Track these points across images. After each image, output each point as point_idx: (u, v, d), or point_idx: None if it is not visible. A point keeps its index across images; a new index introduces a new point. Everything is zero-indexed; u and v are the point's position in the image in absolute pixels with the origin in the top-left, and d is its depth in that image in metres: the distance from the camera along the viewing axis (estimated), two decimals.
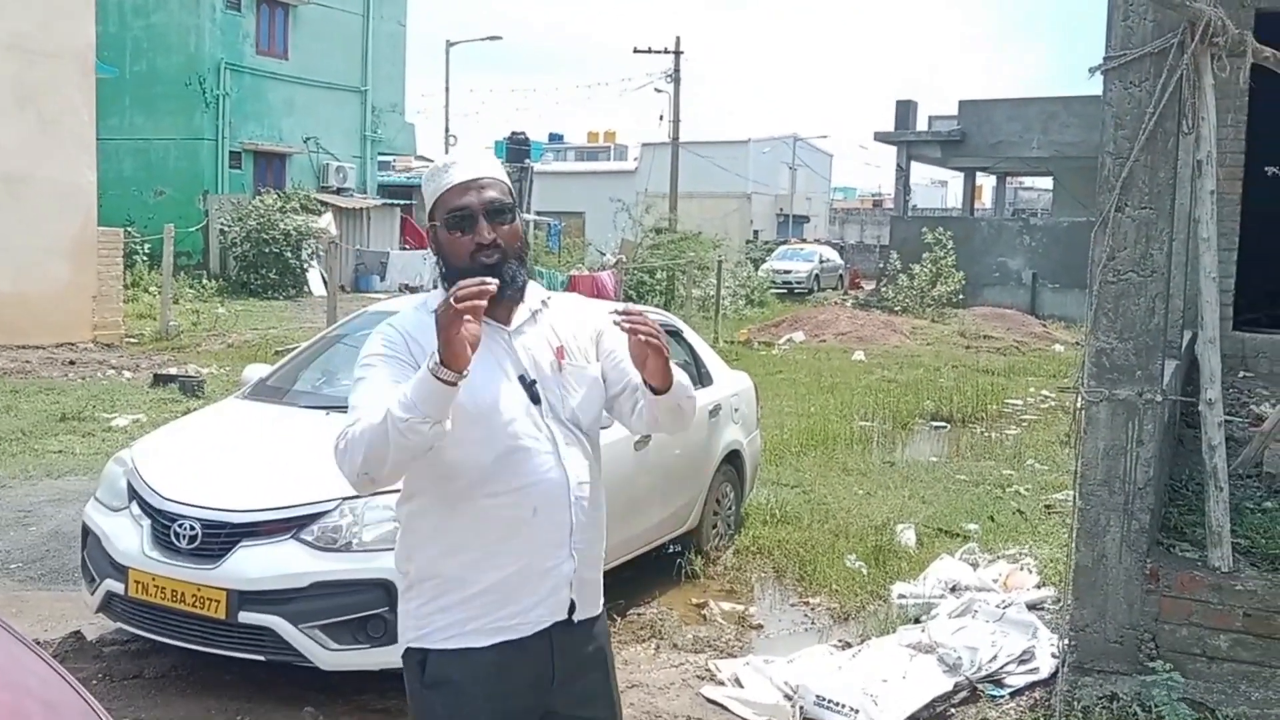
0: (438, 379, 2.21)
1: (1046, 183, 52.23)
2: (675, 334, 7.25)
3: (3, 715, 2.20)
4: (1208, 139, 4.07)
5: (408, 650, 2.53)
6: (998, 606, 5.66)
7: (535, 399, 2.49)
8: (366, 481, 2.36)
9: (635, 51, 37.46)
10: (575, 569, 2.52)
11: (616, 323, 2.44)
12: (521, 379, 2.49)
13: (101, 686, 4.78)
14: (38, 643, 4.98)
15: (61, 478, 8.22)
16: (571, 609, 2.53)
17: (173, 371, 12.99)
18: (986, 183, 49.90)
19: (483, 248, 2.45)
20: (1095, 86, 4.39)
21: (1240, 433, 6.68)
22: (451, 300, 2.19)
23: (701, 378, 7.19)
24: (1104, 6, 4.19)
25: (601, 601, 2.67)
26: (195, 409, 10.84)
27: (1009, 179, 46.07)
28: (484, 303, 2.23)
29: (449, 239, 2.48)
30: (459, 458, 2.42)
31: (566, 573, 2.51)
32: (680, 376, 2.55)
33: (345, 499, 4.65)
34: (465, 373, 2.23)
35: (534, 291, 2.59)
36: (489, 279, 2.26)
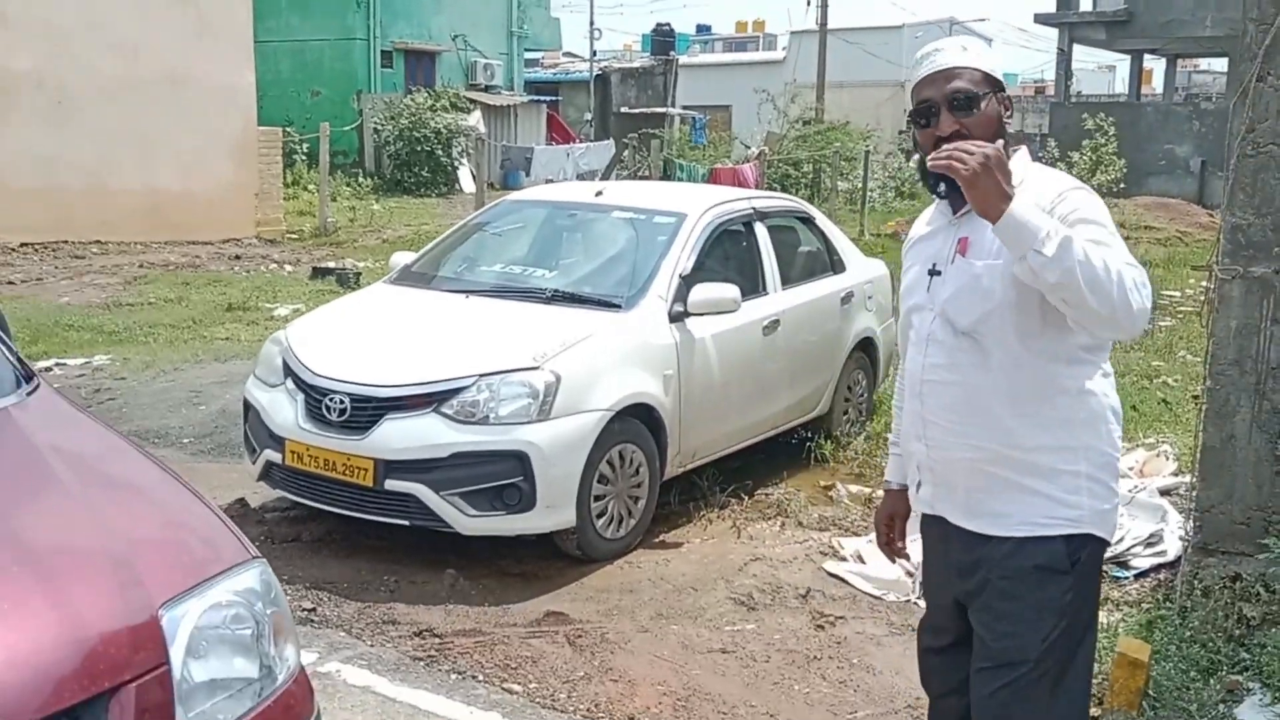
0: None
1: (1222, 64, 49.07)
2: (806, 220, 7.26)
3: (170, 550, 2.49)
4: None
5: None
6: (1129, 491, 5.61)
7: (929, 289, 2.55)
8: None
9: None
10: (922, 460, 2.60)
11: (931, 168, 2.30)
12: (930, 268, 2.54)
13: (263, 548, 5.18)
14: None
15: (228, 362, 8.77)
16: (933, 502, 2.63)
17: (330, 265, 13.56)
18: (1156, 66, 47.13)
19: (944, 140, 2.37)
20: None
21: None
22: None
23: (834, 265, 7.20)
24: None
25: (1005, 524, 2.47)
26: None
27: (1180, 61, 43.44)
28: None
29: (917, 133, 2.49)
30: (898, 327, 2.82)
31: (921, 453, 2.60)
32: (1024, 213, 2.18)
33: (482, 375, 4.89)
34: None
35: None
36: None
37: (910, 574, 5.12)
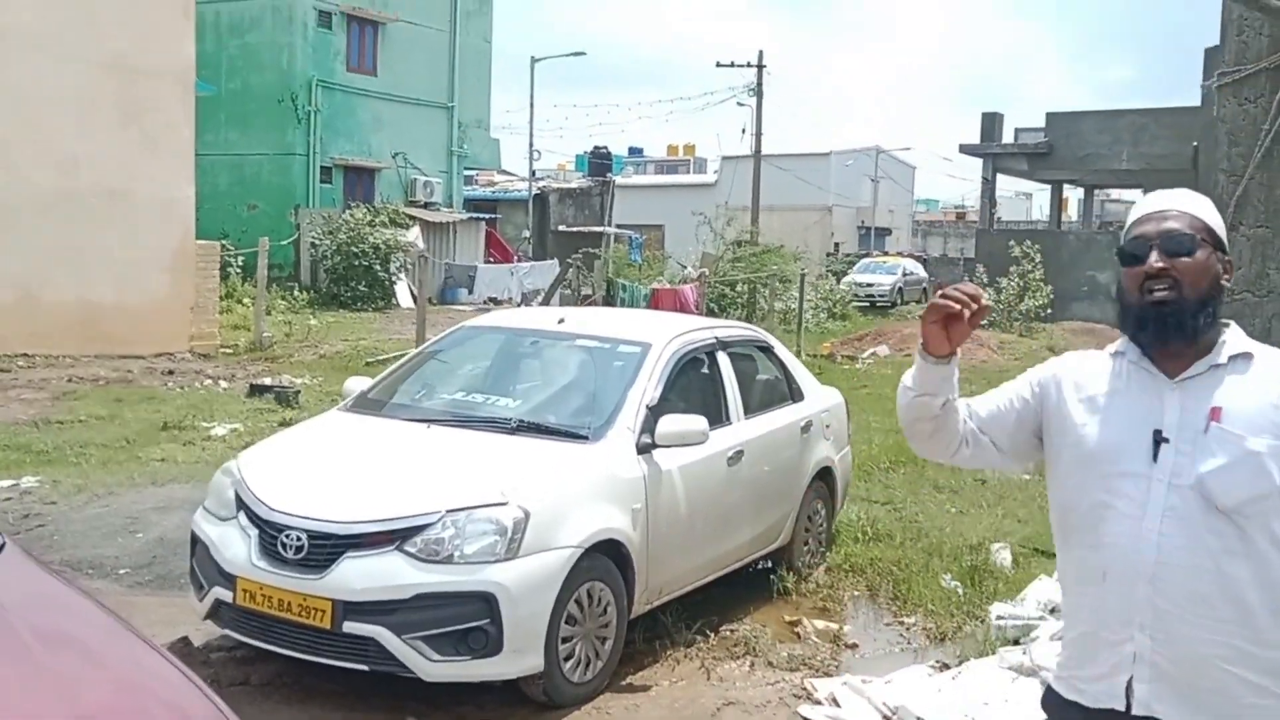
0: (920, 355, 2.43)
1: (1134, 194, 51.11)
2: (765, 349, 7.25)
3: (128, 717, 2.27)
4: None
5: None
6: None
7: (1156, 458, 2.26)
8: (911, 440, 2.59)
9: (718, 65, 37.48)
10: (1146, 656, 2.23)
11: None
12: (1156, 434, 2.27)
13: None
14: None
15: (165, 485, 8.44)
16: (1129, 699, 2.26)
17: (268, 382, 13.28)
18: (1072, 195, 49.01)
19: (1150, 278, 2.26)
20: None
21: None
22: (936, 296, 2.37)
23: (793, 393, 7.17)
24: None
25: None
26: (291, 418, 11.12)
27: (1096, 191, 45.18)
28: (953, 306, 2.34)
29: (1123, 274, 2.33)
30: (1063, 498, 2.42)
31: (1127, 653, 2.25)
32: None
33: (448, 512, 4.71)
34: (943, 359, 2.42)
35: (1231, 344, 2.30)
36: (979, 293, 2.35)
37: (887, 718, 4.99)
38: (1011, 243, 27.98)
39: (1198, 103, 30.74)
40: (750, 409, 6.55)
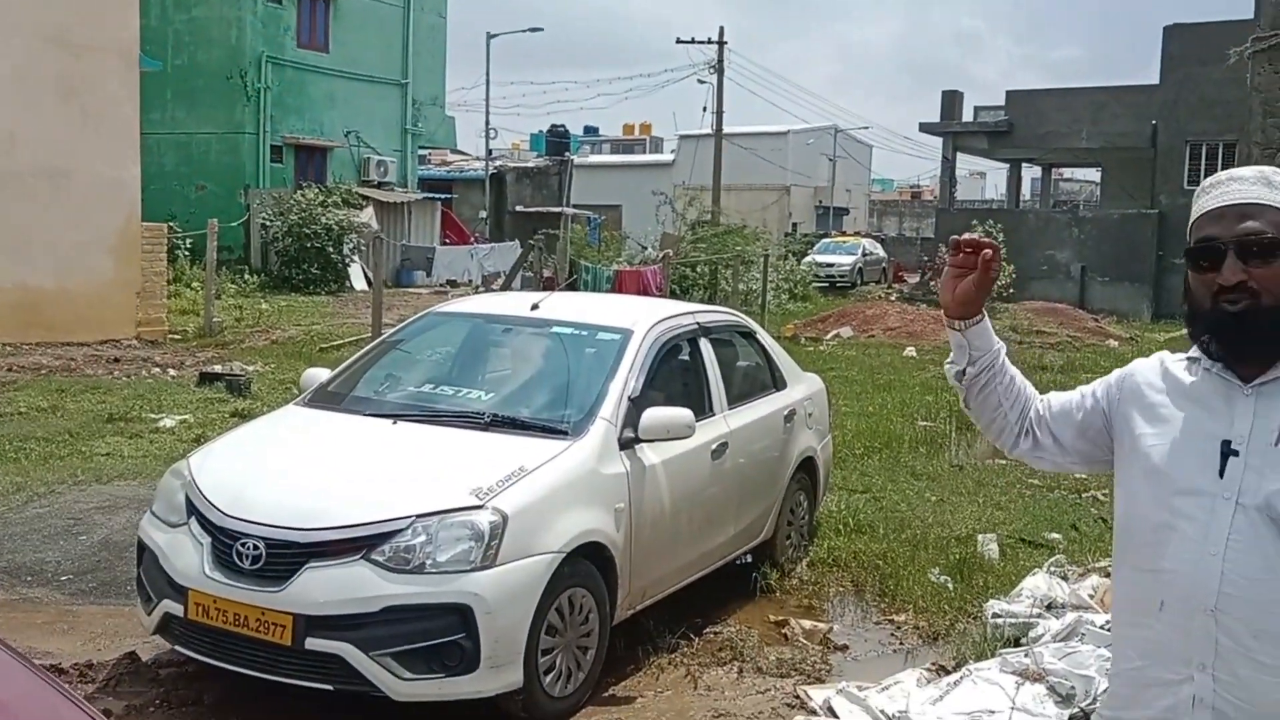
0: (948, 322, 2.28)
1: (1088, 174, 51.40)
2: (748, 335, 6.93)
3: None
4: None
5: None
6: (1102, 628, 5.29)
7: (1223, 473, 1.99)
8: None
9: (679, 42, 37.06)
10: (1208, 699, 1.96)
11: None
12: (1224, 445, 2.00)
13: (159, 714, 4.53)
14: (89, 666, 4.70)
15: (110, 482, 7.99)
16: None
17: (218, 370, 12.78)
18: (1027, 174, 49.17)
19: (1225, 290, 1.97)
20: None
21: None
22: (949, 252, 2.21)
23: (775, 381, 6.86)
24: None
25: None
26: (243, 408, 10.67)
27: (1053, 170, 45.33)
28: (971, 257, 2.18)
29: (1191, 277, 2.05)
30: (1126, 509, 2.15)
31: (1185, 695, 1.97)
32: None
33: (418, 517, 4.35)
34: (964, 324, 2.25)
35: None
36: (982, 240, 2.19)
37: None
38: (975, 222, 27.90)
39: (1156, 80, 30.92)
40: (733, 399, 6.23)
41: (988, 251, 2.17)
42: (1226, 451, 1.99)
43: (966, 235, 2.18)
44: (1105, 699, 2.24)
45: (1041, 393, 2.36)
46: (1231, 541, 1.94)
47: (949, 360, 2.32)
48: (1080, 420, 2.26)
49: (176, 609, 4.49)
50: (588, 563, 4.78)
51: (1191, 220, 2.08)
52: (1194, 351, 2.12)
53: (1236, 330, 1.98)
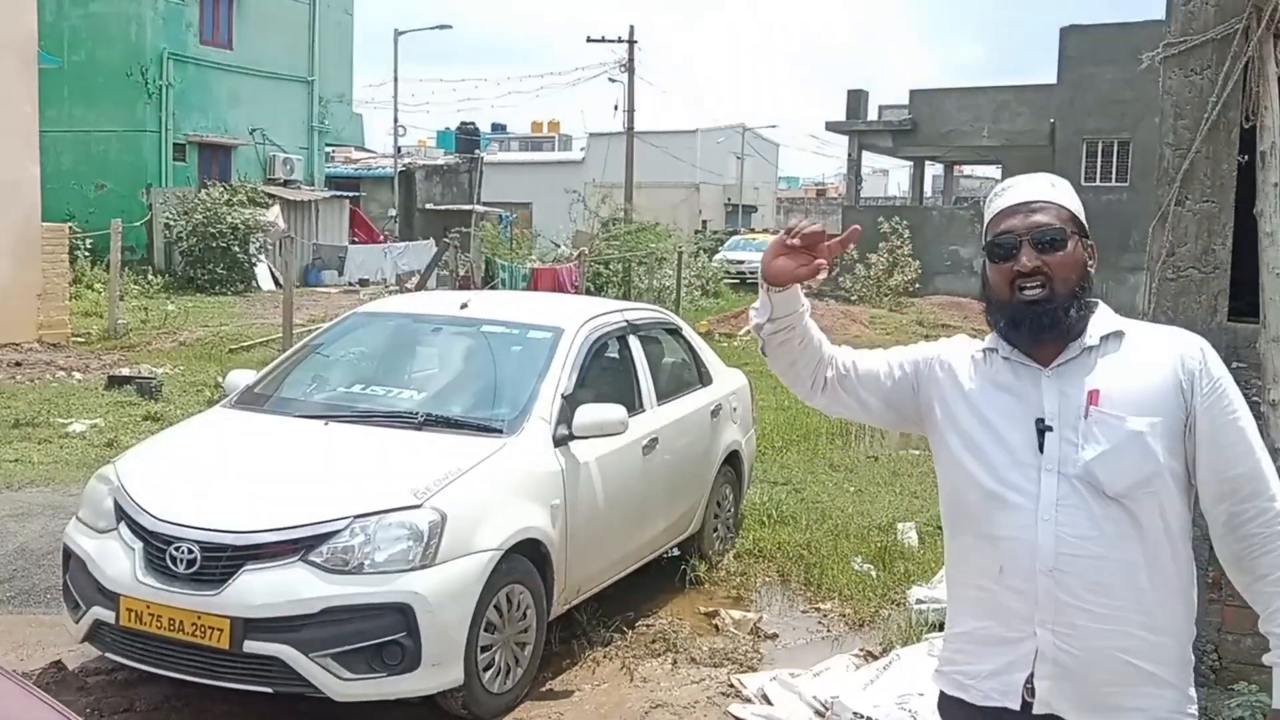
0: (760, 282, 2.31)
1: (988, 171, 52.56)
2: (674, 331, 7.02)
3: None
4: (1272, 130, 3.89)
5: None
6: None
7: (1042, 448, 2.16)
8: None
9: (589, 41, 37.01)
10: (1049, 652, 2.12)
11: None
12: (1038, 422, 2.17)
13: None
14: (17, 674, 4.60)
15: (21, 489, 7.78)
16: (1028, 699, 2.14)
17: (126, 372, 12.48)
18: (928, 171, 50.19)
19: (1022, 275, 2.16)
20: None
21: None
22: (783, 232, 2.26)
23: (701, 377, 6.96)
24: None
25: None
26: (155, 411, 10.45)
27: (955, 168, 46.34)
28: (794, 241, 2.22)
29: (990, 269, 2.22)
30: (955, 484, 2.28)
31: (1027, 651, 2.14)
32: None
33: (356, 517, 4.35)
34: (773, 290, 2.28)
35: (1100, 324, 2.21)
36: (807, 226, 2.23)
37: (820, 714, 4.82)
38: (881, 219, 28.39)
39: (1054, 80, 31.80)
40: (662, 395, 6.31)
41: (821, 261, 2.25)
42: (1041, 428, 2.16)
43: (809, 227, 2.26)
44: (943, 657, 2.35)
45: None
46: (1060, 507, 2.11)
47: (753, 306, 2.40)
48: (889, 389, 2.39)
49: (107, 616, 4.42)
50: (525, 559, 4.81)
51: (986, 220, 2.27)
52: (990, 342, 2.28)
53: (1035, 318, 2.15)
